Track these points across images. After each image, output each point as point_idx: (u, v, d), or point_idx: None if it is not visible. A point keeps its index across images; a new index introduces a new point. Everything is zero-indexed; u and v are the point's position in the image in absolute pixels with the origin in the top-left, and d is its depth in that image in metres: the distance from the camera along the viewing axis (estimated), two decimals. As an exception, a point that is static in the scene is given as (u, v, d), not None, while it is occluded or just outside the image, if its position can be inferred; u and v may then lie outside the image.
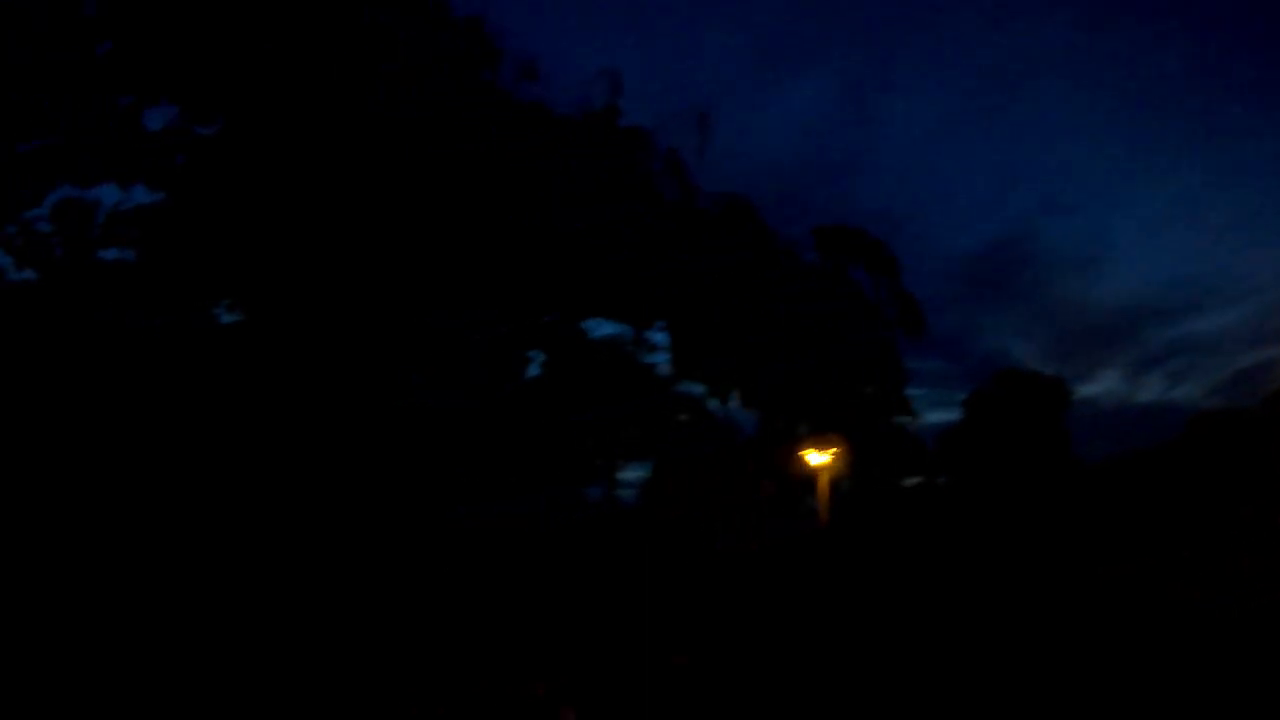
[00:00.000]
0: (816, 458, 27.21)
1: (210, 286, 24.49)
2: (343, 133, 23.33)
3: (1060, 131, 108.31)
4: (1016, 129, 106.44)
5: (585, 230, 21.72)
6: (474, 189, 21.95)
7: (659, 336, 23.40)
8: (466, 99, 22.06)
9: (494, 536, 23.39)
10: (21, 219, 24.83)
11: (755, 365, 22.91)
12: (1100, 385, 71.78)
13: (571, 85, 24.36)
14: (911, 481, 27.81)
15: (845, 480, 25.88)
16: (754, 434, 24.36)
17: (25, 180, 24.51)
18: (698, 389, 23.75)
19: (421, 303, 23.78)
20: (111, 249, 24.88)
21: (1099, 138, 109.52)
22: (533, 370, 23.75)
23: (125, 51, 24.08)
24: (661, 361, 23.92)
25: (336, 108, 23.33)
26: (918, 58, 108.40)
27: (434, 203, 21.82)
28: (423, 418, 23.20)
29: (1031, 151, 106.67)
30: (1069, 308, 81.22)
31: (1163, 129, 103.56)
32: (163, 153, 24.44)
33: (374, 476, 23.36)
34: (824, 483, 27.16)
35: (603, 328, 23.31)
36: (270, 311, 25.63)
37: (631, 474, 26.59)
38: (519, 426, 23.49)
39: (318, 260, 24.39)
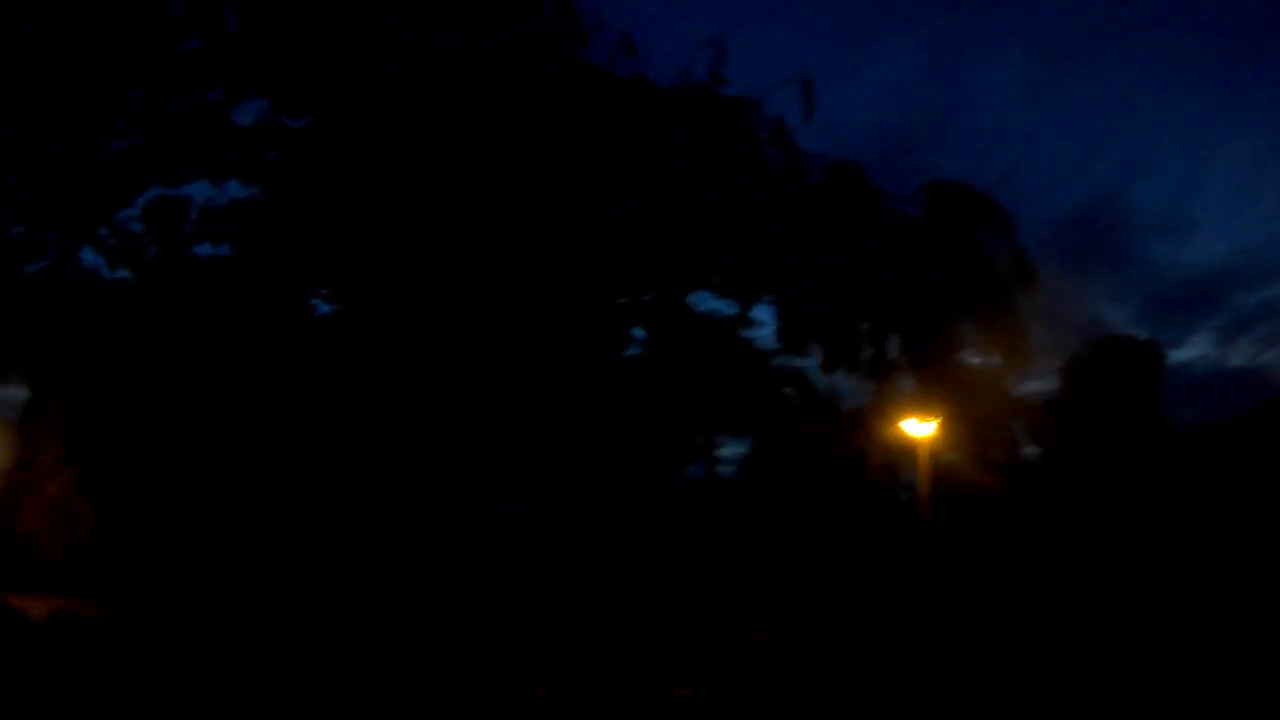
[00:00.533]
0: (918, 429, 26.72)
1: (308, 278, 24.51)
2: (426, 121, 23.23)
3: (1146, 92, 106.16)
4: (1100, 91, 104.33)
5: (695, 203, 21.48)
6: (571, 169, 21.81)
7: (763, 310, 23.18)
8: (564, 80, 21.90)
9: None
10: (114, 220, 24.98)
11: (864, 332, 22.55)
12: (1191, 350, 70.52)
13: (660, 59, 24.08)
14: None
15: (951, 453, 25.46)
16: (860, 405, 24.01)
17: (116, 181, 24.57)
18: (803, 361, 23.45)
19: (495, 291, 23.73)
20: (205, 245, 25.04)
21: (1186, 97, 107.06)
22: (633, 349, 23.59)
23: (213, 48, 24.10)
24: (765, 335, 23.71)
25: (419, 96, 23.24)
26: (1001, 20, 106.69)
27: (535, 182, 21.72)
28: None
29: (1117, 114, 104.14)
30: (1159, 271, 79.59)
31: (1252, 87, 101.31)
32: (254, 147, 24.45)
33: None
34: (924, 457, 26.70)
35: (707, 302, 23.13)
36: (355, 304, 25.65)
37: (733, 450, 26.38)
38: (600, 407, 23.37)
39: (383, 253, 24.34)
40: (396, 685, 18.36)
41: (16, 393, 26.06)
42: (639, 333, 23.53)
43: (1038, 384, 29.84)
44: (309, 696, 18.07)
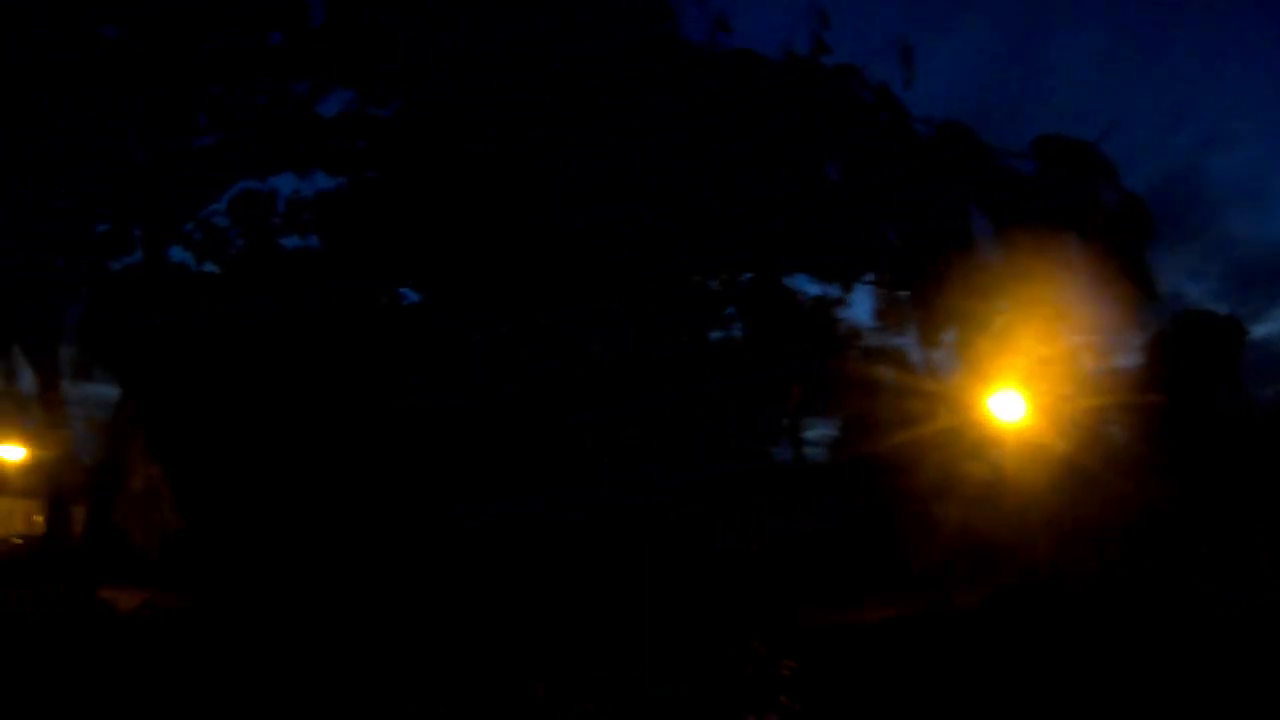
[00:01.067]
0: (1006, 410, 26.40)
1: (395, 269, 24.55)
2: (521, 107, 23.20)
3: (1223, 64, 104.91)
4: (1180, 62, 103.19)
5: (805, 174, 21.40)
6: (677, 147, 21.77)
7: (860, 290, 23.08)
8: (660, 57, 21.84)
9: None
10: (200, 215, 25.10)
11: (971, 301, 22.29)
12: (1272, 325, 69.52)
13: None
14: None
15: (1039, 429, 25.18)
16: (955, 382, 23.78)
17: (202, 176, 24.66)
18: (899, 339, 23.35)
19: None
20: (293, 236, 25.13)
21: (1266, 68, 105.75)
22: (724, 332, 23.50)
23: (298, 40, 24.13)
24: (861, 315, 23.62)
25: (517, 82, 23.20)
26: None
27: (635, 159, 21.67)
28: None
29: (1195, 86, 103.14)
30: (1239, 245, 78.42)
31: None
32: (340, 138, 24.49)
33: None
34: (1008, 440, 26.37)
35: (800, 284, 23.03)
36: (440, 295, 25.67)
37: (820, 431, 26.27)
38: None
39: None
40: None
41: (107, 390, 26.31)
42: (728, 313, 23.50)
43: (1120, 360, 29.56)
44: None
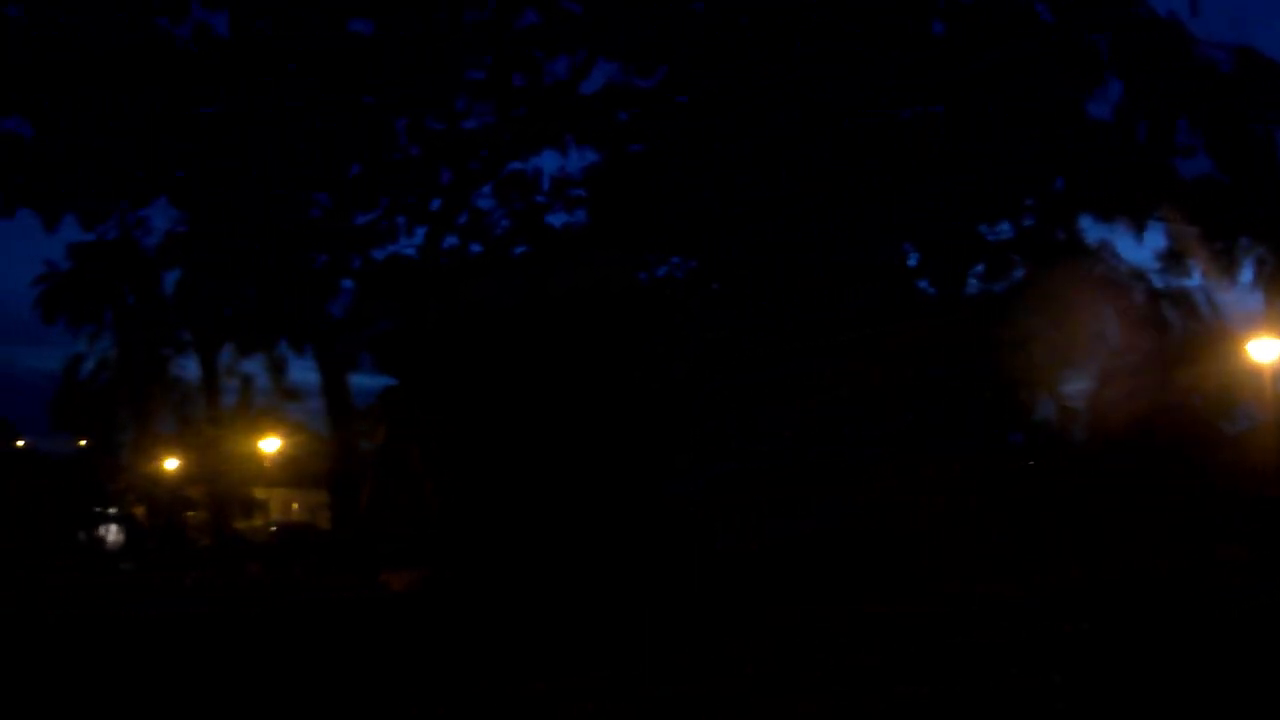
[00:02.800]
0: (1266, 351, 25.71)
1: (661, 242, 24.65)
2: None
3: None
4: None
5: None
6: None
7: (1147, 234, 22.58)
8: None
9: None
10: (471, 204, 25.46)
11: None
12: None
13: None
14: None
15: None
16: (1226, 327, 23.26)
17: (464, 159, 24.96)
18: (1179, 280, 22.83)
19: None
20: (559, 214, 25.40)
21: None
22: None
23: (553, 19, 24.26)
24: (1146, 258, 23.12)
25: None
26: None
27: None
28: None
29: None
30: None
31: None
32: (601, 113, 24.63)
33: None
34: (1267, 384, 25.68)
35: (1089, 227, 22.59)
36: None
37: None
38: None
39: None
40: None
41: (376, 379, 26.92)
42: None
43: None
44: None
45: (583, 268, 24.43)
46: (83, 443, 24.06)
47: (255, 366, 23.82)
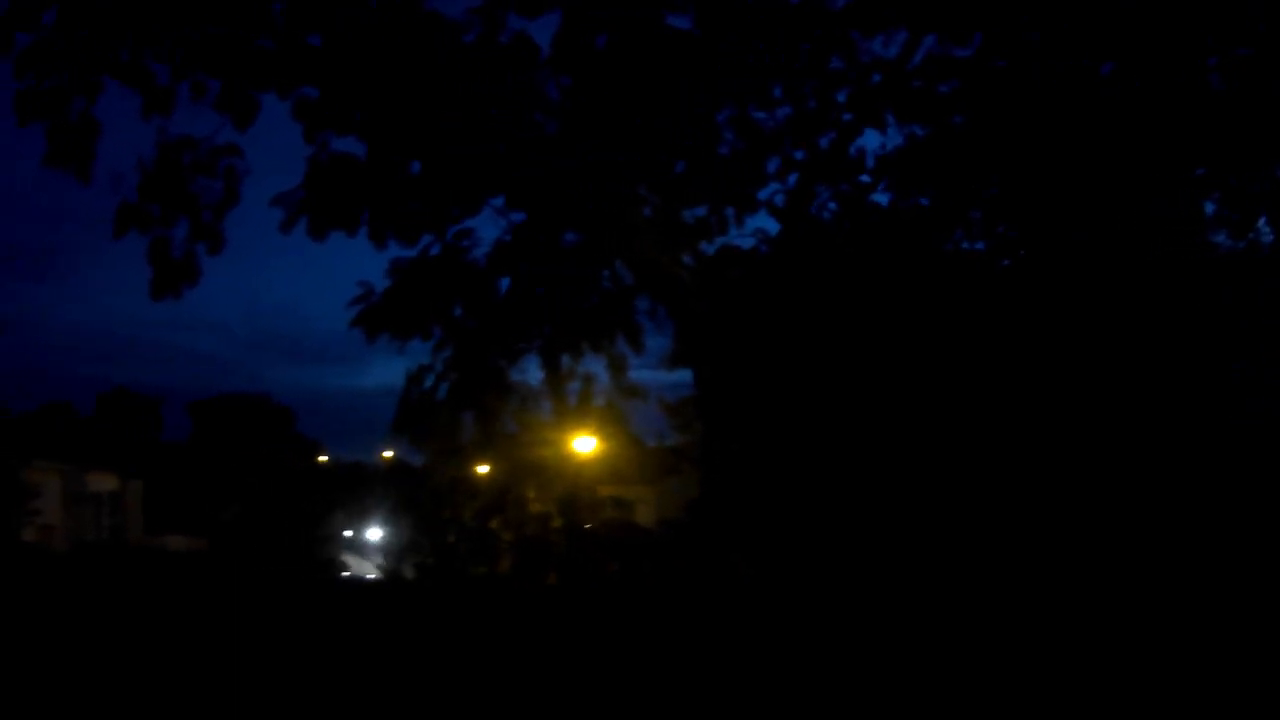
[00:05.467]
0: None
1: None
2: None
3: None
4: None
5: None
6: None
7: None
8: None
9: None
10: (798, 189, 24.89)
11: None
12: None
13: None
14: None
15: None
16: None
17: (794, 149, 24.59)
18: None
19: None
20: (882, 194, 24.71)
21: None
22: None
23: None
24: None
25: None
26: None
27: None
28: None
29: None
30: None
31: None
32: (922, 84, 23.95)
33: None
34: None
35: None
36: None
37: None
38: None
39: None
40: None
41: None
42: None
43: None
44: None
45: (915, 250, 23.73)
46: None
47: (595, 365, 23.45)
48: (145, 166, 23.58)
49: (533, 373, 23.73)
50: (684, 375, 24.81)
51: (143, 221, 23.52)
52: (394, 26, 22.21)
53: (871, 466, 22.98)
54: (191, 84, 23.20)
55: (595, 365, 23.91)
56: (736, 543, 25.41)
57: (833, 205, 24.47)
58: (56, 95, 23.34)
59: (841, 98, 24.25)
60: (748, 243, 24.44)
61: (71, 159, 23.33)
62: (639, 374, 24.17)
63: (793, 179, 24.51)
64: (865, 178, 24.29)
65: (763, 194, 24.79)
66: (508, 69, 22.26)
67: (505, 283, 23.82)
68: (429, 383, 23.66)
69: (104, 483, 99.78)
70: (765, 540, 24.81)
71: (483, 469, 25.11)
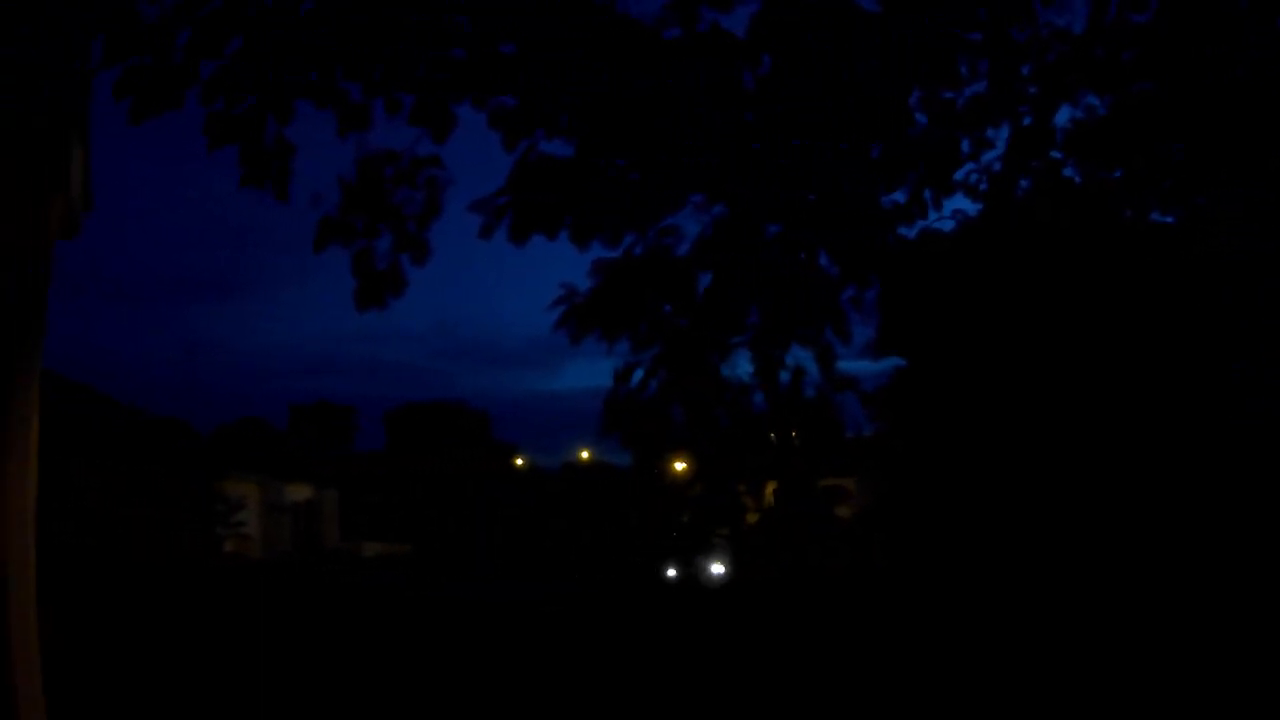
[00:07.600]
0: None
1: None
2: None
3: None
4: None
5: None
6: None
7: None
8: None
9: None
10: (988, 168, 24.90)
11: None
12: None
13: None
14: None
15: None
16: None
17: (983, 128, 24.54)
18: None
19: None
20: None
21: None
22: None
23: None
24: None
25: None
26: None
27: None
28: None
29: None
30: None
31: None
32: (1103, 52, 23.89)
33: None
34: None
35: None
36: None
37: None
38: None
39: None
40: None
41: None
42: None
43: None
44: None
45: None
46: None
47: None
48: (346, 181, 23.47)
49: (742, 366, 23.69)
50: (889, 364, 24.84)
51: (345, 234, 23.41)
52: (589, 28, 22.21)
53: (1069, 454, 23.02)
54: (386, 100, 23.13)
55: (804, 357, 23.77)
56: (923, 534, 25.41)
57: (1024, 183, 24.46)
58: (247, 120, 23.29)
59: (1025, 71, 24.26)
60: (947, 225, 24.57)
61: (268, 178, 23.23)
62: (844, 364, 24.11)
63: (985, 157, 24.50)
64: (1056, 153, 24.33)
65: (958, 175, 24.84)
66: (710, 61, 22.22)
67: (706, 278, 23.85)
68: (637, 380, 23.62)
69: (300, 493, 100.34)
70: (956, 530, 24.84)
71: (680, 465, 25.03)
